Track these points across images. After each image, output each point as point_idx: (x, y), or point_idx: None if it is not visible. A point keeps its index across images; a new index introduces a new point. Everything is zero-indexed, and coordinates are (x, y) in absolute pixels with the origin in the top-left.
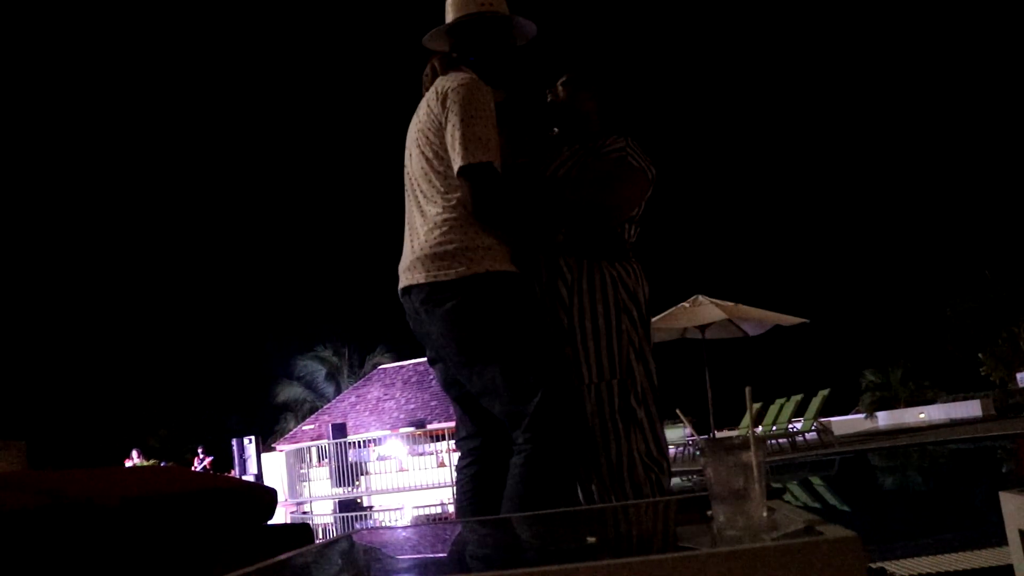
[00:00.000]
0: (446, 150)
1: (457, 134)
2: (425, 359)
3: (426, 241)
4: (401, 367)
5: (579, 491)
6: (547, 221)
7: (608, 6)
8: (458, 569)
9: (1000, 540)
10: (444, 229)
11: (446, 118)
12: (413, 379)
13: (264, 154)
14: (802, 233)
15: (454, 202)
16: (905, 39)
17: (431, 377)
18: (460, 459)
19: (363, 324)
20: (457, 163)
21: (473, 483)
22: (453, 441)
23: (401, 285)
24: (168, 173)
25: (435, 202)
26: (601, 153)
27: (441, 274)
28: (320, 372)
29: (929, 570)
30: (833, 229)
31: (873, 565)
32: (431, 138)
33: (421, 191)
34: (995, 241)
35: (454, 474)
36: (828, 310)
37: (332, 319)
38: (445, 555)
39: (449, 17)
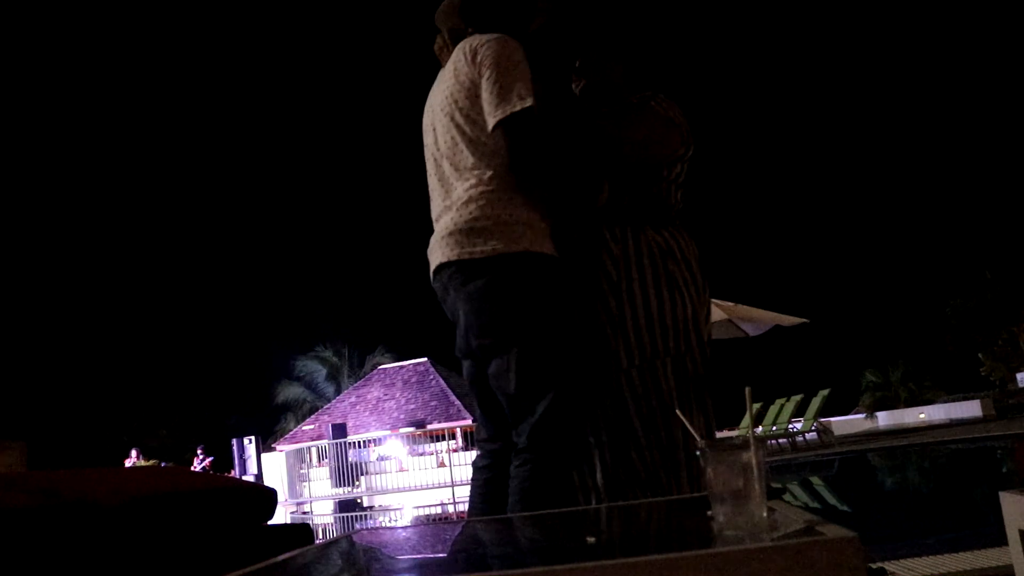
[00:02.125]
0: (479, 112)
1: (495, 88)
2: (425, 359)
3: (460, 216)
4: (401, 367)
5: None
6: (587, 169)
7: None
8: (458, 569)
9: (1000, 540)
10: (481, 203)
11: (479, 73)
12: (413, 379)
13: (265, 154)
14: (802, 233)
15: (490, 174)
16: (905, 39)
17: (431, 377)
18: (478, 458)
19: (363, 324)
20: (496, 116)
21: (486, 488)
22: (454, 441)
23: (433, 266)
24: (168, 174)
25: (467, 175)
26: (624, 102)
27: (476, 251)
28: (320, 372)
29: (929, 570)
30: (833, 229)
31: (873, 565)
32: (461, 102)
33: (452, 164)
34: (995, 241)
35: (454, 474)
36: (828, 310)
37: (332, 319)
38: (445, 555)
39: None
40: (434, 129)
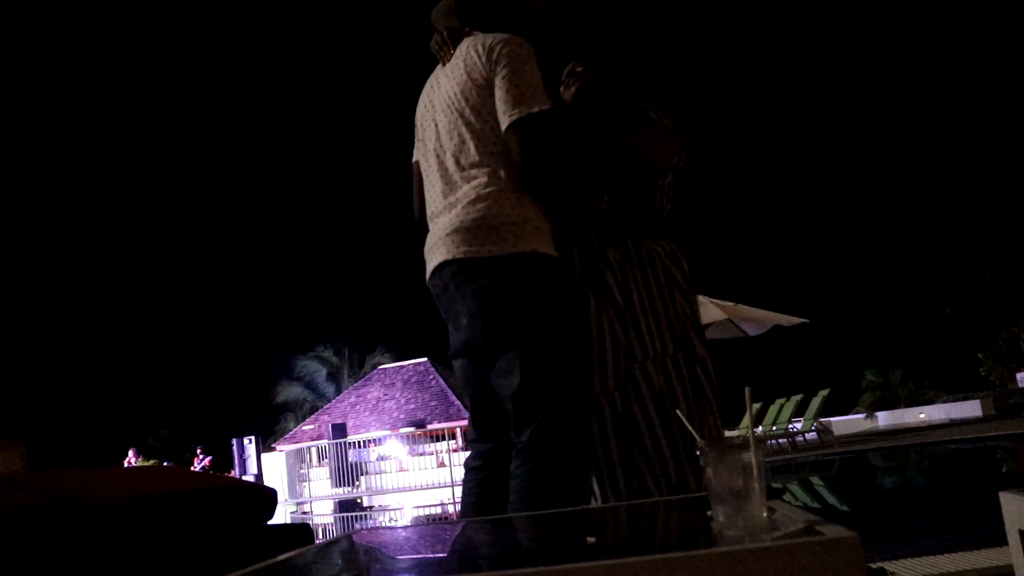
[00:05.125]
0: (491, 111)
1: (512, 88)
2: (425, 359)
3: (466, 214)
4: (401, 367)
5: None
6: (592, 176)
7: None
8: (458, 569)
9: (1000, 540)
10: (489, 203)
11: (494, 72)
12: (413, 379)
13: (264, 154)
14: (802, 233)
15: (500, 173)
16: (905, 39)
17: (431, 377)
18: (470, 458)
19: (363, 324)
20: (511, 116)
21: (479, 489)
22: (454, 441)
23: (432, 264)
24: (168, 173)
25: (474, 173)
26: (620, 110)
27: (484, 250)
28: (320, 372)
29: (929, 570)
30: (833, 229)
31: (873, 565)
32: (472, 99)
33: (456, 161)
34: (995, 241)
35: (455, 474)
36: (828, 310)
37: (332, 319)
38: (445, 555)
39: None
40: (436, 124)
